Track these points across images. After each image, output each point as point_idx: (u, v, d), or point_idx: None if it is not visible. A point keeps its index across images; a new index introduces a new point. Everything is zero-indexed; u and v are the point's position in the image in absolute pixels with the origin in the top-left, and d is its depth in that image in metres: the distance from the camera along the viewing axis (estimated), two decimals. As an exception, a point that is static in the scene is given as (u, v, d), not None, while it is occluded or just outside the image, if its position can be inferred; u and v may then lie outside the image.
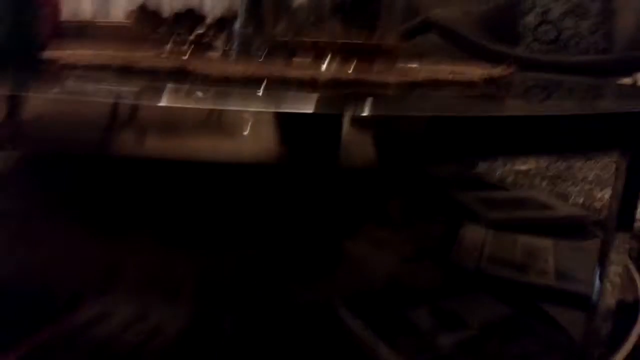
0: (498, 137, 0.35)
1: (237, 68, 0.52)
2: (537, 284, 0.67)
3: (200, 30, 0.73)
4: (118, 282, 0.60)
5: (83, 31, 1.15)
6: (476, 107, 0.43)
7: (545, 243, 0.80)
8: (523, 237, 0.82)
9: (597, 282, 0.64)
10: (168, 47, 0.71)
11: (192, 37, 0.73)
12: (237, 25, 0.73)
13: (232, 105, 0.35)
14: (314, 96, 0.43)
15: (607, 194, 1.19)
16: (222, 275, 0.59)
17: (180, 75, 0.52)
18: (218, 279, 0.59)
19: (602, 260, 0.64)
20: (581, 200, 1.17)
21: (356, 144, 0.32)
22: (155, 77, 0.52)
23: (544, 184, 1.25)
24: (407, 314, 0.58)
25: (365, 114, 0.33)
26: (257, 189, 0.66)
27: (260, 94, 0.42)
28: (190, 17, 0.78)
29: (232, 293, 0.59)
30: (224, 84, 0.50)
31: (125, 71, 0.53)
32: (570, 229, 0.90)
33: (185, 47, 0.69)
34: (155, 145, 0.34)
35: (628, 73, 1.71)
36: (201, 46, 0.73)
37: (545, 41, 1.99)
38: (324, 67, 0.62)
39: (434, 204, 0.93)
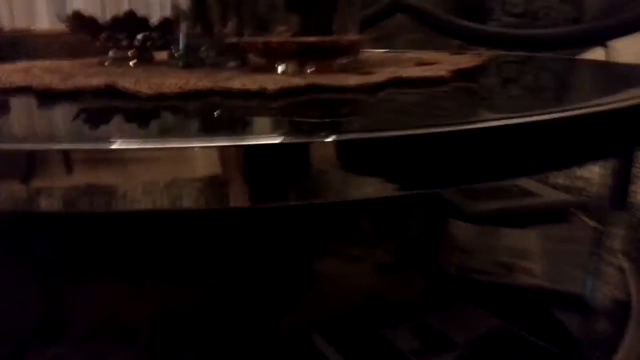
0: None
1: (175, 81, 0.45)
2: (526, 286, 0.63)
3: (140, 36, 0.66)
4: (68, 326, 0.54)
5: (18, 42, 1.07)
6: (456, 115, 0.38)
7: (529, 236, 0.75)
8: (505, 231, 0.78)
9: (592, 277, 0.61)
10: (99, 57, 0.64)
11: (132, 44, 0.66)
12: (183, 27, 0.67)
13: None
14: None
15: (586, 172, 1.16)
16: (180, 310, 0.54)
17: (109, 95, 0.45)
18: (176, 315, 0.53)
19: (595, 252, 0.60)
20: (561, 181, 1.14)
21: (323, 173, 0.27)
22: (82, 99, 0.46)
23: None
24: (386, 335, 0.54)
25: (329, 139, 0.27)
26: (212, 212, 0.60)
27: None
28: (131, 21, 0.71)
29: (193, 329, 0.54)
30: (160, 100, 0.44)
31: (47, 94, 0.46)
32: (555, 215, 0.86)
33: (119, 56, 0.62)
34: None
35: (600, 43, 1.67)
36: (142, 53, 0.66)
37: (514, 14, 1.95)
38: (278, 70, 0.56)
39: (410, 201, 0.88)
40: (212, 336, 0.53)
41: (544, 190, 0.99)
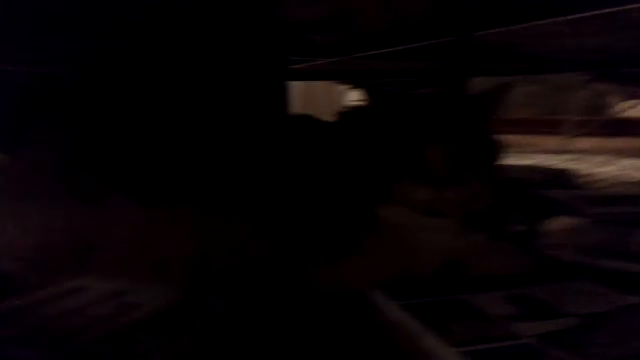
0: None
1: None
2: None
3: None
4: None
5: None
6: None
7: None
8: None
9: None
10: None
11: None
12: None
13: None
14: None
15: None
16: (221, 247, 0.45)
17: None
18: (215, 252, 0.45)
19: None
20: None
21: None
22: None
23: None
24: (468, 299, 0.41)
25: None
26: (267, 139, 0.52)
27: None
28: None
29: (233, 271, 0.45)
30: None
31: None
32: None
33: None
34: None
35: None
36: None
37: None
38: None
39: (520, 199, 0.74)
40: (253, 280, 0.44)
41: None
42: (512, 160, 1.69)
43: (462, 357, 0.32)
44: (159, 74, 0.69)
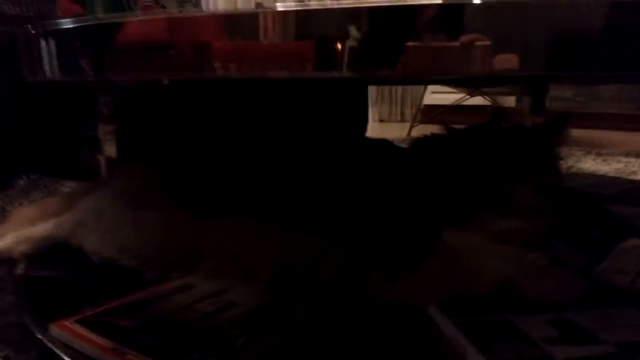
0: None
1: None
2: None
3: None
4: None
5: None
6: None
7: None
8: None
9: None
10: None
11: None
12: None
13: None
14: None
15: None
16: (301, 259, 0.54)
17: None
18: (295, 263, 0.54)
19: None
20: None
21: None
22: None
23: None
24: (516, 322, 0.46)
25: None
26: (343, 162, 0.60)
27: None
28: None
29: (310, 280, 0.53)
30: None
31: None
32: None
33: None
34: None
35: None
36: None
37: None
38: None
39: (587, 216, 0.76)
40: (326, 287, 0.52)
41: None
42: (596, 163, 1.64)
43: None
44: (255, 101, 0.78)
